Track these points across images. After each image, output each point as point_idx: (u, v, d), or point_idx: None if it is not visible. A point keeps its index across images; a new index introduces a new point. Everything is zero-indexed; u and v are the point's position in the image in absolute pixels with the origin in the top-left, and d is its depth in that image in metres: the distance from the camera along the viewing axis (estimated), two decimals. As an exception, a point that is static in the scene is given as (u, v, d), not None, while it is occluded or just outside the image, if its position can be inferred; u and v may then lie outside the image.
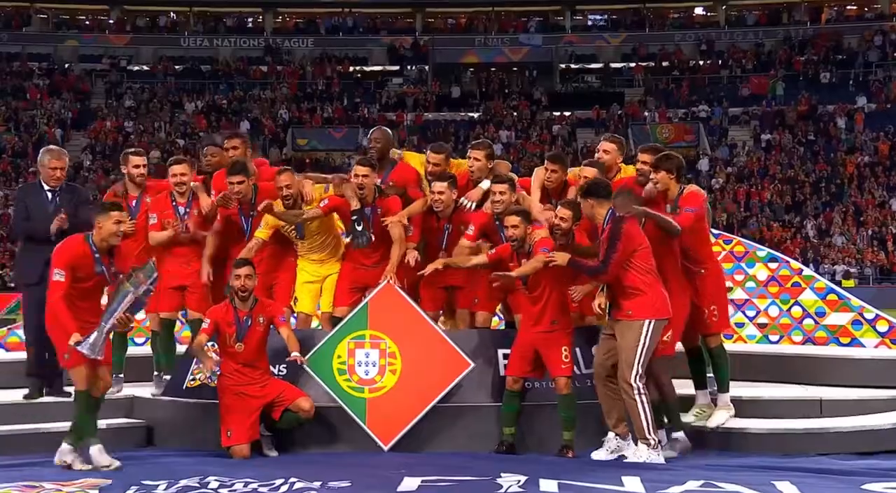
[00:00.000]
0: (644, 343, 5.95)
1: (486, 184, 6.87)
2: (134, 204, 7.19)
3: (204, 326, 6.39)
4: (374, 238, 6.81)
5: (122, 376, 7.23)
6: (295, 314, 7.22)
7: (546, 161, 6.97)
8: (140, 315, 7.23)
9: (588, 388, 6.38)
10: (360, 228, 6.76)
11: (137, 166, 7.22)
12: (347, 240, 7.12)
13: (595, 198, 6.14)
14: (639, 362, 5.92)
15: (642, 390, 5.94)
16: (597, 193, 6.15)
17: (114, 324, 5.88)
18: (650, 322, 5.98)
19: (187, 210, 7.13)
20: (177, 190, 7.12)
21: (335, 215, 7.08)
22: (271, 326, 6.47)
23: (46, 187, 7.03)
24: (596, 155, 7.10)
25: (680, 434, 6.28)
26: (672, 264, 6.29)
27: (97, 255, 5.92)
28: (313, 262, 7.12)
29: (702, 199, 6.40)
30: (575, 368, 6.38)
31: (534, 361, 6.30)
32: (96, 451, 5.97)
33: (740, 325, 8.83)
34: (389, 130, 7.50)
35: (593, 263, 6.08)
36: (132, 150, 7.44)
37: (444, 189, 6.75)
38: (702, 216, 6.41)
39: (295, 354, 6.38)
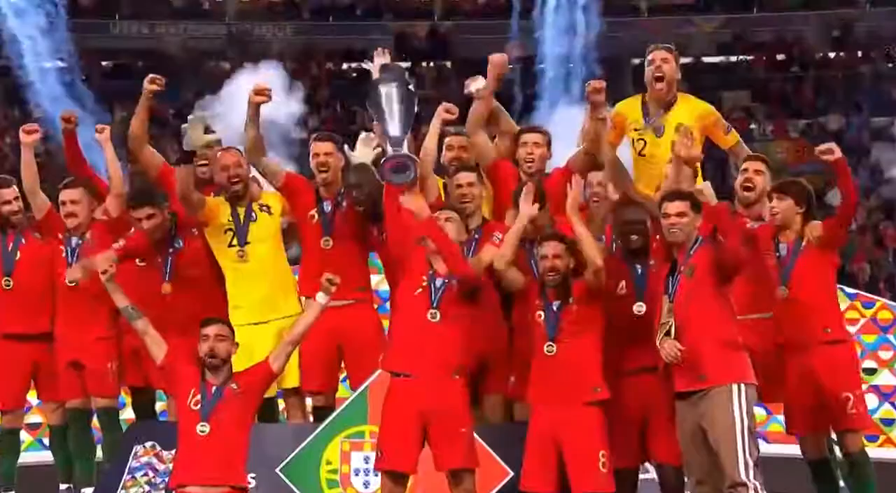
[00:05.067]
0: (742, 418, 6.01)
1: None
2: (10, 247, 7.41)
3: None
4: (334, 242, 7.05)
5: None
6: None
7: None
8: None
9: None
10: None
11: (8, 202, 7.39)
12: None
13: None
14: (745, 450, 5.98)
15: (760, 490, 5.96)
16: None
17: None
18: (739, 387, 6.06)
19: (79, 242, 7.34)
20: (68, 224, 7.32)
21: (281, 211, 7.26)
22: (255, 395, 6.40)
23: None
24: (650, 68, 7.34)
25: None
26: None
27: None
28: (251, 306, 7.13)
29: None
30: None
31: (559, 465, 6.31)
32: None
33: (888, 422, 8.83)
34: None
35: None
36: None
37: (472, 181, 6.89)
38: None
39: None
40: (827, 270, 6.72)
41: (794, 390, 6.68)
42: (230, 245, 7.14)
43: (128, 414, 7.86)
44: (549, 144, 7.26)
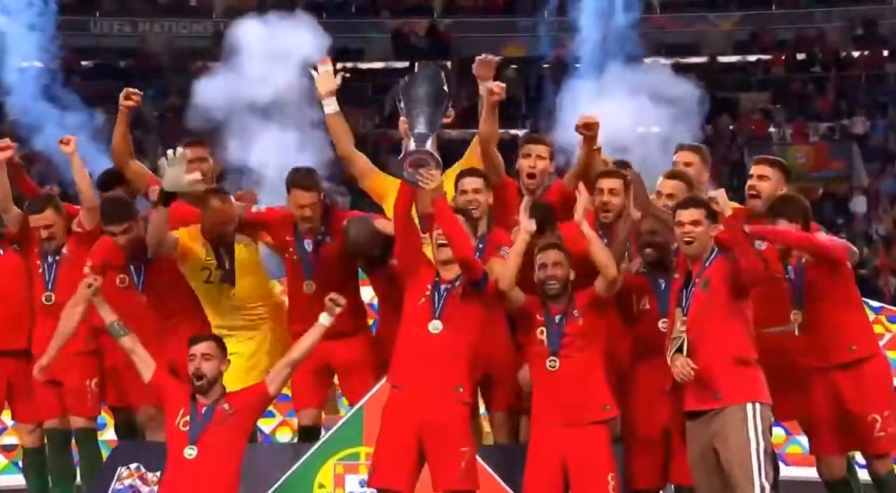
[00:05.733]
0: (757, 439, 6.03)
1: None
2: None
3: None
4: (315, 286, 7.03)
5: None
6: None
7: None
8: None
9: None
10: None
11: None
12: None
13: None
14: (761, 472, 5.99)
15: None
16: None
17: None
18: (753, 406, 6.06)
19: (56, 259, 7.34)
20: (45, 247, 7.35)
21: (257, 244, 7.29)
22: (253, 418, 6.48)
23: None
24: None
25: None
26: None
27: None
28: (237, 332, 7.18)
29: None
30: None
31: (564, 488, 6.32)
32: None
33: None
34: None
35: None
36: None
37: (479, 187, 6.89)
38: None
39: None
40: (840, 283, 6.68)
41: (819, 412, 6.68)
42: (208, 281, 7.19)
43: (108, 435, 7.83)
44: (552, 156, 7.27)
